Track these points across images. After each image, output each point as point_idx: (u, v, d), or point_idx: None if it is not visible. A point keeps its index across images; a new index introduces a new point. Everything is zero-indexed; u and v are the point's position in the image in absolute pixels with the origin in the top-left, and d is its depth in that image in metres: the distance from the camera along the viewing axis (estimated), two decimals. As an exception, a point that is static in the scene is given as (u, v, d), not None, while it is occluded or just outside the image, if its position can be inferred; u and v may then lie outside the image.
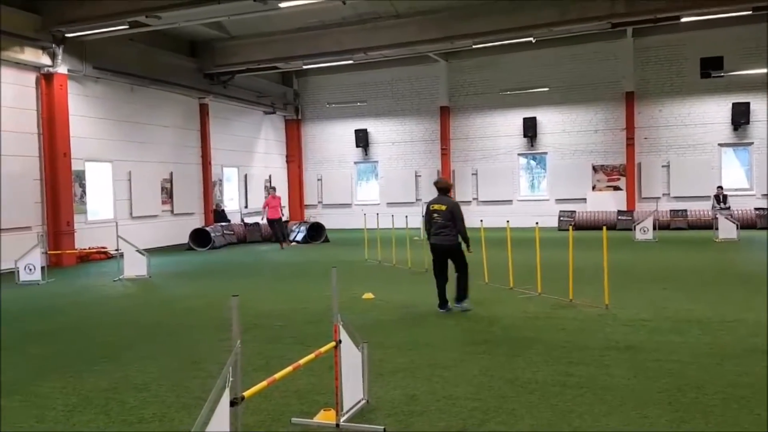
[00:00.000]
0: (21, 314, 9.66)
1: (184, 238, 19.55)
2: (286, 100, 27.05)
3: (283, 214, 20.32)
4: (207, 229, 19.73)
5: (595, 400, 5.06)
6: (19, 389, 5.76)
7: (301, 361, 4.35)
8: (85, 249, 16.37)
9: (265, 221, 20.18)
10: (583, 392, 5.24)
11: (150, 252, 13.93)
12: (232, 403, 3.28)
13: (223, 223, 21.33)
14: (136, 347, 7.37)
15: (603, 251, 8.60)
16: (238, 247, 19.77)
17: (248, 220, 23.13)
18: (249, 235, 21.18)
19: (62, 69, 15.92)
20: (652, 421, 4.59)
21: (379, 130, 27.03)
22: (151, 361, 6.69)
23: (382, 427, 4.54)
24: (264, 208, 19.77)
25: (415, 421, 4.72)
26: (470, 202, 25.48)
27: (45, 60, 15.57)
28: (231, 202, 24.17)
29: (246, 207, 24.75)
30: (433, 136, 26.28)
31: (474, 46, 20.47)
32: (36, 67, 15.64)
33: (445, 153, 25.94)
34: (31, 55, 15.21)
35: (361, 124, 27.05)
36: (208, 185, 22.30)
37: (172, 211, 20.71)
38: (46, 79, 15.78)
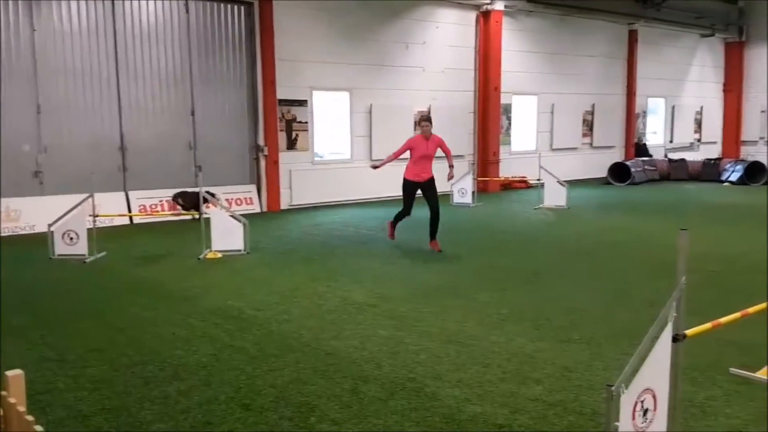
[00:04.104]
0: (464, 231, 10.94)
1: (602, 172, 19.26)
2: (729, 20, 23.54)
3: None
4: (627, 163, 19.02)
5: None
6: (463, 295, 6.55)
7: (750, 310, 3.84)
8: (508, 177, 17.55)
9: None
10: None
11: (568, 184, 14.13)
12: (674, 339, 3.11)
13: (645, 158, 20.26)
14: (565, 271, 7.63)
15: None
16: (660, 185, 18.57)
17: (673, 155, 21.46)
18: (673, 172, 19.67)
19: (499, 5, 16.88)
20: None
21: None
22: (580, 287, 6.85)
23: None
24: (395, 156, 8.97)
25: None
26: None
27: (484, -1, 16.78)
28: (654, 135, 22.71)
29: (671, 142, 22.95)
30: None
31: None
32: (476, 6, 16.95)
33: None
34: (472, -5, 16.55)
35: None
36: (631, 117, 21.32)
37: (591, 144, 20.55)
38: (484, 16, 17.02)
